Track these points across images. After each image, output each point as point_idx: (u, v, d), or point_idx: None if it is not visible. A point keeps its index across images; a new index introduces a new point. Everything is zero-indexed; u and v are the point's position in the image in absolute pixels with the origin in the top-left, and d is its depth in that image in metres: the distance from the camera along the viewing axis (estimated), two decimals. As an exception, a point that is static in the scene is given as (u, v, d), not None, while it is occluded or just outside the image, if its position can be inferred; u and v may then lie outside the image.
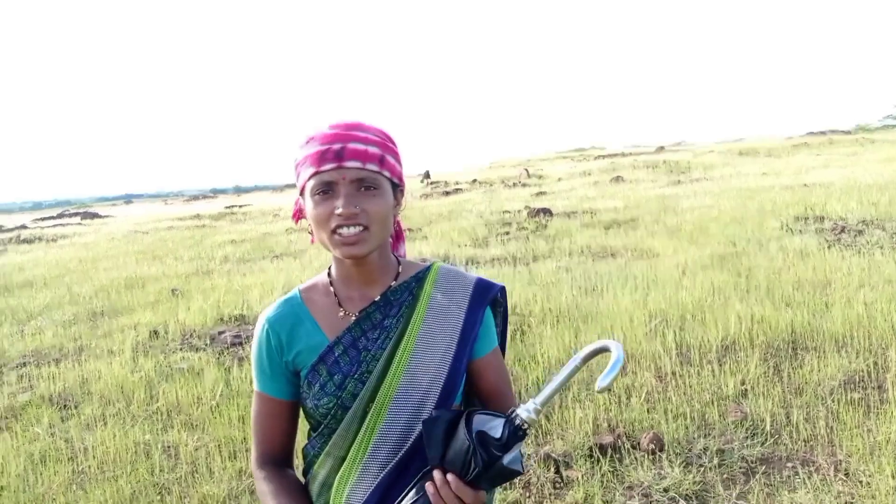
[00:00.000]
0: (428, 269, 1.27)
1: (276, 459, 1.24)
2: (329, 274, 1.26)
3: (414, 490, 1.08)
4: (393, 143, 1.20)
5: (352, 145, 1.13)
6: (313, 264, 9.27)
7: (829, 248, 7.12)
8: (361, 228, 1.12)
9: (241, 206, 24.70)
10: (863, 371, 3.86)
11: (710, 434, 3.31)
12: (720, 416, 3.47)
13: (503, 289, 1.29)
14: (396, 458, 1.15)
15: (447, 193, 19.40)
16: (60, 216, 31.01)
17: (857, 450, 3.02)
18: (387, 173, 1.16)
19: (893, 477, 2.75)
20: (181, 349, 5.63)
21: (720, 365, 4.08)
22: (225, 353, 5.38)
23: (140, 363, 5.23)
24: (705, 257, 7.09)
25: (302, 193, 1.18)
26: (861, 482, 2.79)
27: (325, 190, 1.13)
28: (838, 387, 3.68)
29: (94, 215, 28.38)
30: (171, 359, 5.33)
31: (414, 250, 9.31)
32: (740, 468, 3.02)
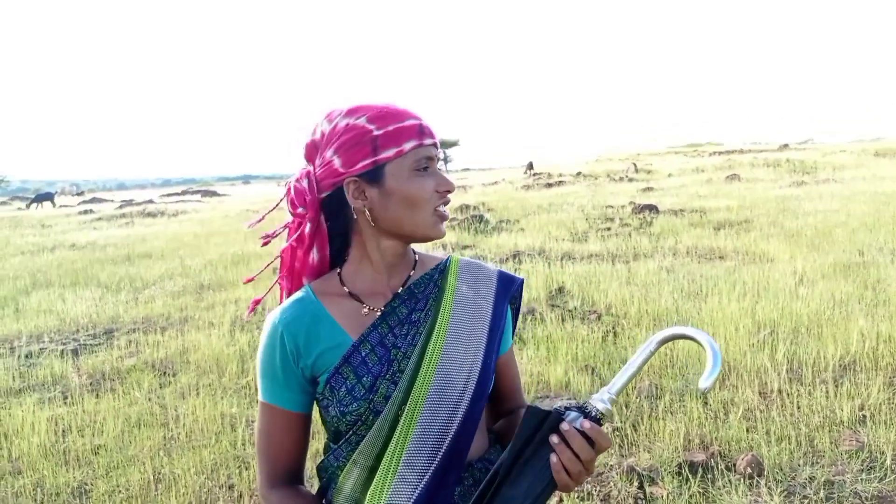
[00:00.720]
0: (447, 260, 1.18)
1: (289, 479, 1.12)
2: (339, 271, 1.14)
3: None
4: None
5: (425, 122, 1.08)
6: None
7: (977, 262, 6.31)
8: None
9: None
10: None
11: (818, 462, 2.97)
12: (832, 443, 3.11)
13: (523, 282, 1.21)
14: (434, 465, 1.04)
15: (549, 185, 19.01)
16: (184, 193, 33.27)
17: None
18: None
19: None
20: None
21: (836, 386, 3.68)
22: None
23: (236, 337, 5.43)
24: (827, 265, 6.48)
25: (367, 174, 1.05)
26: None
27: (427, 165, 1.07)
28: (978, 422, 3.21)
29: (214, 193, 30.21)
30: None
31: (510, 243, 9.15)
32: (852, 505, 2.68)
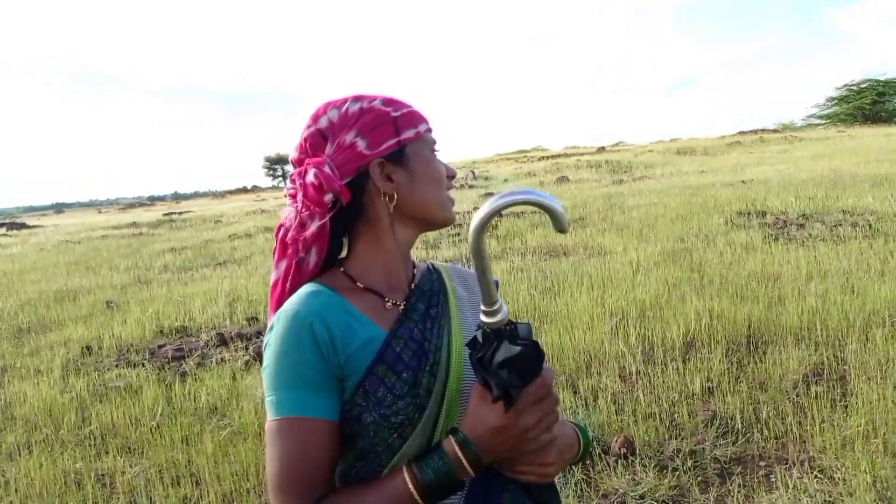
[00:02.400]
0: (431, 264, 1.15)
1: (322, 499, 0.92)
2: (342, 269, 1.04)
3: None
4: None
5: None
6: (259, 271, 8.91)
7: (774, 241, 7.24)
8: None
9: (180, 213, 23.81)
10: (823, 364, 3.86)
11: (681, 435, 3.22)
12: (689, 415, 3.39)
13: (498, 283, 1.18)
14: None
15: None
16: (-17, 227, 29.29)
17: (829, 445, 2.97)
18: None
19: (868, 472, 2.71)
20: (117, 366, 5.25)
21: (684, 362, 4.02)
22: (166, 369, 5.03)
23: (71, 382, 4.84)
24: (656, 253, 7.11)
25: (391, 155, 1.00)
26: (836, 479, 2.74)
27: (435, 150, 1.08)
28: (801, 381, 3.66)
29: (22, 226, 26.93)
30: (105, 377, 4.96)
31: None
32: (714, 469, 2.93)
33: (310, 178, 0.97)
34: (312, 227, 0.98)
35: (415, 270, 1.10)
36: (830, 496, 2.64)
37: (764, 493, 2.70)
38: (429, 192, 1.03)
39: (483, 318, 0.90)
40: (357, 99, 1.02)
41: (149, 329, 6.20)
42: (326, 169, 0.97)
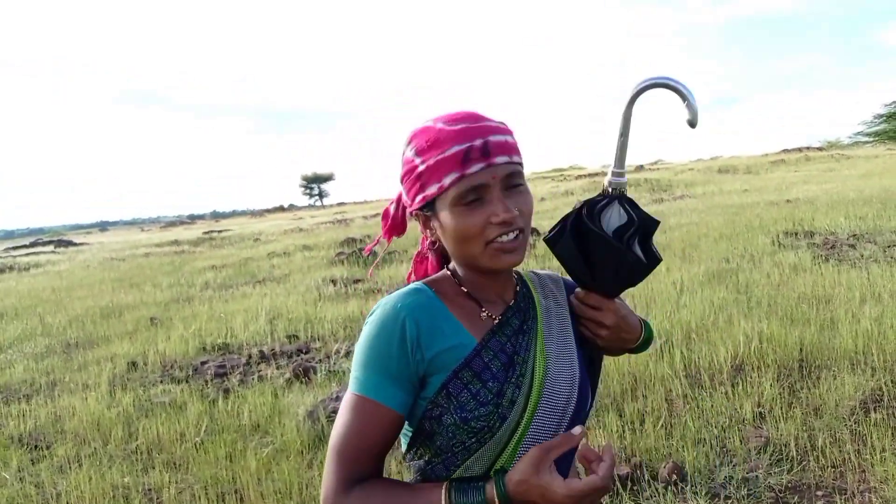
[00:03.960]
0: (520, 275, 1.15)
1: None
2: (453, 272, 1.09)
3: None
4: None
5: (493, 138, 0.98)
6: (297, 289, 9.00)
7: (824, 262, 7.03)
8: (518, 232, 0.99)
9: (220, 232, 24.28)
10: (881, 390, 3.70)
11: (732, 462, 3.11)
12: (741, 441, 3.28)
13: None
14: None
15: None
16: (33, 244, 30.36)
17: (891, 476, 2.84)
18: (523, 163, 1.04)
19: (936, 505, 2.58)
20: (161, 381, 5.34)
21: (733, 386, 3.90)
22: (208, 385, 5.09)
23: (118, 397, 4.93)
24: (701, 274, 6.96)
25: (427, 207, 1.02)
26: (901, 511, 2.61)
27: (476, 196, 0.97)
28: (858, 407, 3.52)
29: (69, 243, 27.79)
30: (150, 392, 5.04)
31: (402, 273, 9.08)
32: (769, 498, 2.82)
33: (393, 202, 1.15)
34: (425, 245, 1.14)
35: (518, 287, 1.11)
36: (896, 530, 2.51)
37: (824, 525, 2.58)
38: (455, 246, 1.01)
39: (611, 177, 1.08)
40: (409, 140, 1.03)
41: (192, 345, 6.29)
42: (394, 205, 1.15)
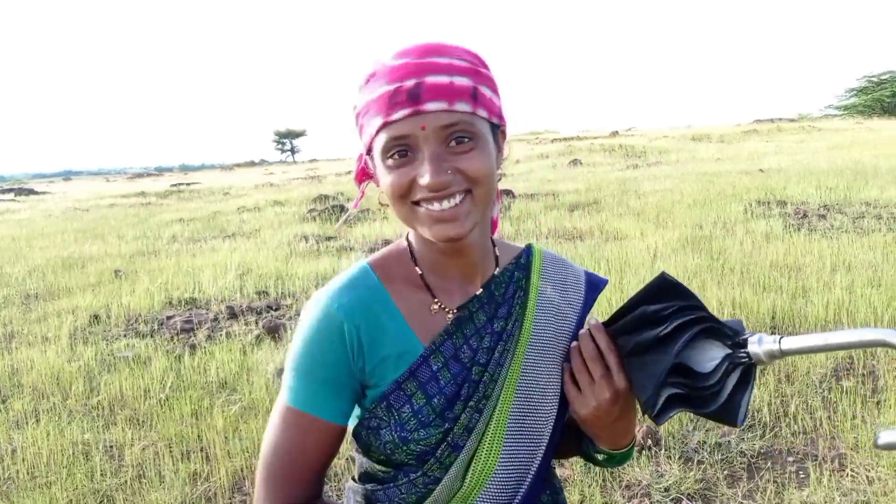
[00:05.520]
0: (528, 252, 0.94)
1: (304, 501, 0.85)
2: (409, 245, 0.90)
3: None
4: (486, 66, 0.83)
5: (430, 79, 0.76)
6: (268, 244, 8.82)
7: (795, 231, 7.09)
8: (460, 198, 0.78)
9: (188, 185, 23.72)
10: (851, 357, 3.74)
11: (705, 427, 3.11)
12: (714, 406, 3.28)
13: (606, 283, 1.00)
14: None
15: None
16: (-8, 192, 29.34)
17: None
18: (483, 112, 0.80)
19: (905, 473, 2.60)
20: (125, 336, 5.18)
21: (707, 352, 3.91)
22: (175, 340, 4.96)
23: (79, 351, 4.77)
24: (675, 240, 6.97)
25: (369, 152, 0.84)
26: (871, 477, 2.63)
27: (402, 149, 0.78)
28: (830, 374, 3.55)
29: (31, 192, 26.96)
30: (113, 346, 4.89)
31: (374, 232, 8.95)
32: (741, 463, 2.83)
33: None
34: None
35: (497, 270, 0.91)
36: (865, 495, 2.53)
37: (795, 490, 2.60)
38: (394, 205, 0.82)
39: (758, 345, 0.78)
40: (365, 76, 0.83)
41: (157, 299, 6.12)
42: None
